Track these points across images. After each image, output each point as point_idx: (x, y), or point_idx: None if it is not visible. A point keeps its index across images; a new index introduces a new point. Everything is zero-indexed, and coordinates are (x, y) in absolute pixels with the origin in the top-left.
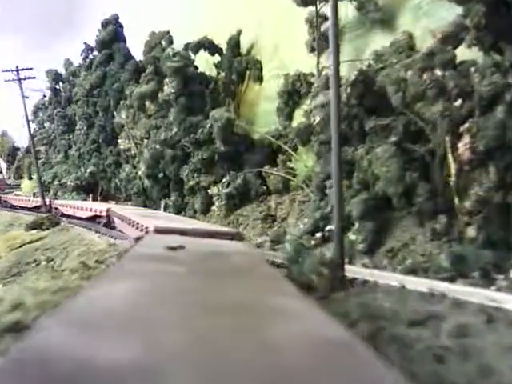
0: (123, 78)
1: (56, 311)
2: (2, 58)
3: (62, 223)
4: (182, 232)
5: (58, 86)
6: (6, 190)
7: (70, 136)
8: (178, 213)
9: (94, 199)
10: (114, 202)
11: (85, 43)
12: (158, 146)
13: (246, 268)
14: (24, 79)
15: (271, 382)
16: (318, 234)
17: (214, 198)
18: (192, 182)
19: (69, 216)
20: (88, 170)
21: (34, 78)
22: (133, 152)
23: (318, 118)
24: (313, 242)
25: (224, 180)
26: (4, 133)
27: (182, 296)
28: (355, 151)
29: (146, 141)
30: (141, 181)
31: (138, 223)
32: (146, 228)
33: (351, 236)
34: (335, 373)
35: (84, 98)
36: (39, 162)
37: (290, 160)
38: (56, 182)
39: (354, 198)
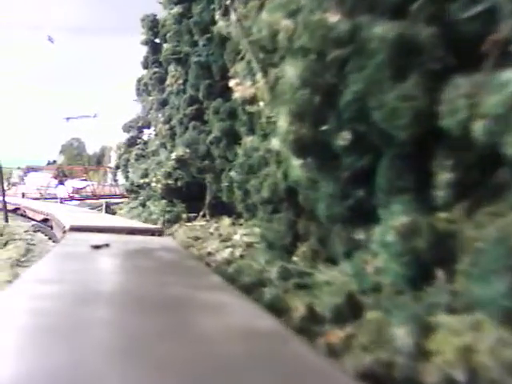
0: None
1: None
2: (113, 57)
3: None
4: (99, 230)
5: (157, 40)
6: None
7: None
8: None
9: (198, 214)
10: (228, 222)
11: None
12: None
13: (174, 263)
14: None
15: (213, 376)
16: None
17: None
18: None
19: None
20: (173, 156)
21: None
22: (261, 104)
23: None
24: None
25: None
26: None
27: (114, 295)
28: None
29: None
30: (279, 168)
31: (61, 222)
32: (64, 227)
33: None
34: (274, 363)
35: (174, 26)
36: (133, 154)
37: None
38: (143, 184)
39: None
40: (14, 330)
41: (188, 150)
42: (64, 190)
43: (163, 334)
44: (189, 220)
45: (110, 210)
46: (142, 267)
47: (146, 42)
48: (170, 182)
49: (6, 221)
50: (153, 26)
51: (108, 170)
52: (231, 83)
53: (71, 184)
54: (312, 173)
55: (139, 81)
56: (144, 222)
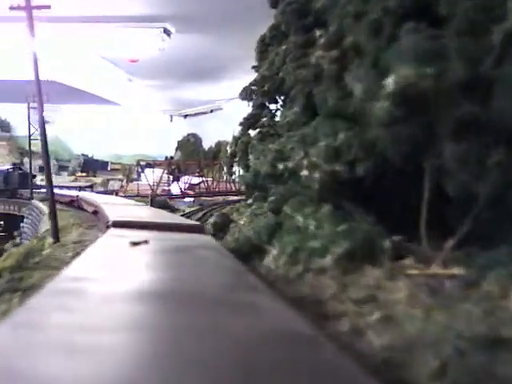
0: None
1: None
2: (191, 53)
3: None
4: (141, 225)
5: None
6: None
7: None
8: None
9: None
10: None
11: None
12: None
13: (210, 262)
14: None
15: (243, 378)
16: None
17: None
18: None
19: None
20: (389, 83)
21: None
22: None
23: None
24: None
25: None
26: None
27: (147, 294)
28: None
29: None
30: None
31: (106, 216)
32: (107, 221)
33: None
34: (306, 368)
35: None
36: (256, 134)
37: None
38: (278, 173)
39: None
40: (49, 329)
41: (428, 71)
42: (177, 187)
43: (194, 334)
44: (398, 255)
45: (225, 217)
46: (179, 265)
47: None
48: (338, 167)
49: (56, 237)
50: None
51: (223, 163)
52: None
53: (185, 180)
54: None
55: (262, 40)
56: (290, 257)
